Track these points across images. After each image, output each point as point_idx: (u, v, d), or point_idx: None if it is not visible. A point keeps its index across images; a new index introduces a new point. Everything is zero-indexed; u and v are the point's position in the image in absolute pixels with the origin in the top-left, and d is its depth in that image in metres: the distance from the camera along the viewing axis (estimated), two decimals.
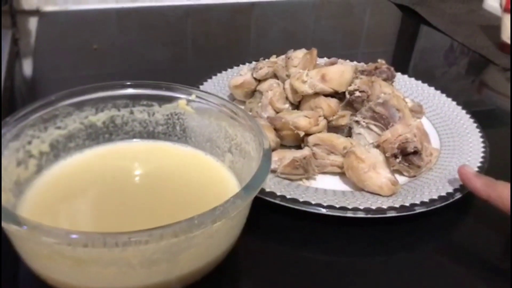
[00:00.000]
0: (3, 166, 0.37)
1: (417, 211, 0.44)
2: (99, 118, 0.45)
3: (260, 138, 0.39)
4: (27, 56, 0.78)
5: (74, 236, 0.29)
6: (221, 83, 0.64)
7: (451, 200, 0.46)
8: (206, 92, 0.46)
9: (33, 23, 0.84)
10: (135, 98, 0.46)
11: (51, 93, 0.68)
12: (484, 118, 0.61)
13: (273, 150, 0.49)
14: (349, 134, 0.54)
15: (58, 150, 0.43)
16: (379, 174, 0.46)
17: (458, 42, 0.90)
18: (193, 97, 0.45)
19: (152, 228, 0.30)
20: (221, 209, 0.31)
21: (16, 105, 0.65)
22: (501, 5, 0.89)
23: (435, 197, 0.46)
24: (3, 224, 0.30)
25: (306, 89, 0.53)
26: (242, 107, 0.61)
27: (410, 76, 0.68)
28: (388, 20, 1.06)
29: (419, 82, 0.66)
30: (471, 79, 0.86)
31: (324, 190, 0.47)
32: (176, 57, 0.81)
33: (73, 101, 0.43)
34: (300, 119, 0.50)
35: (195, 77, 0.73)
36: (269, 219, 0.46)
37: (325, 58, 0.70)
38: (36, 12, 0.86)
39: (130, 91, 0.45)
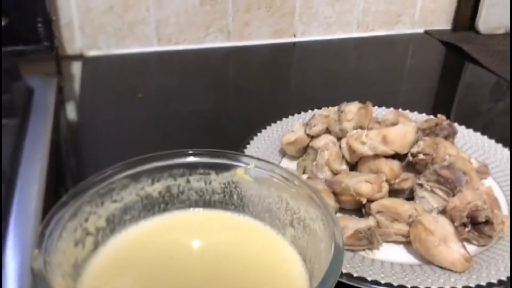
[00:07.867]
0: (62, 250, 0.36)
1: None
2: (155, 188, 0.43)
3: (327, 215, 0.37)
4: (72, 102, 0.77)
5: None
6: (271, 136, 0.62)
7: None
8: (265, 161, 0.43)
9: (76, 68, 0.84)
10: (192, 167, 0.44)
11: (97, 143, 0.67)
12: None
13: None
14: (410, 196, 0.51)
15: (114, 224, 0.42)
16: (451, 249, 0.43)
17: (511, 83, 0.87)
18: (251, 166, 0.43)
19: None
20: None
21: (62, 159, 0.64)
22: None
23: None
24: None
25: (366, 150, 0.50)
26: (295, 162, 0.59)
27: (454, 115, 0.65)
28: (431, 57, 1.03)
29: (478, 134, 0.63)
30: None
31: (391, 263, 0.44)
32: (219, 101, 0.80)
33: (130, 173, 0.42)
34: (362, 185, 0.47)
35: (239, 123, 0.72)
36: None
37: (376, 107, 0.67)
38: (79, 57, 0.86)
39: (187, 159, 0.44)
